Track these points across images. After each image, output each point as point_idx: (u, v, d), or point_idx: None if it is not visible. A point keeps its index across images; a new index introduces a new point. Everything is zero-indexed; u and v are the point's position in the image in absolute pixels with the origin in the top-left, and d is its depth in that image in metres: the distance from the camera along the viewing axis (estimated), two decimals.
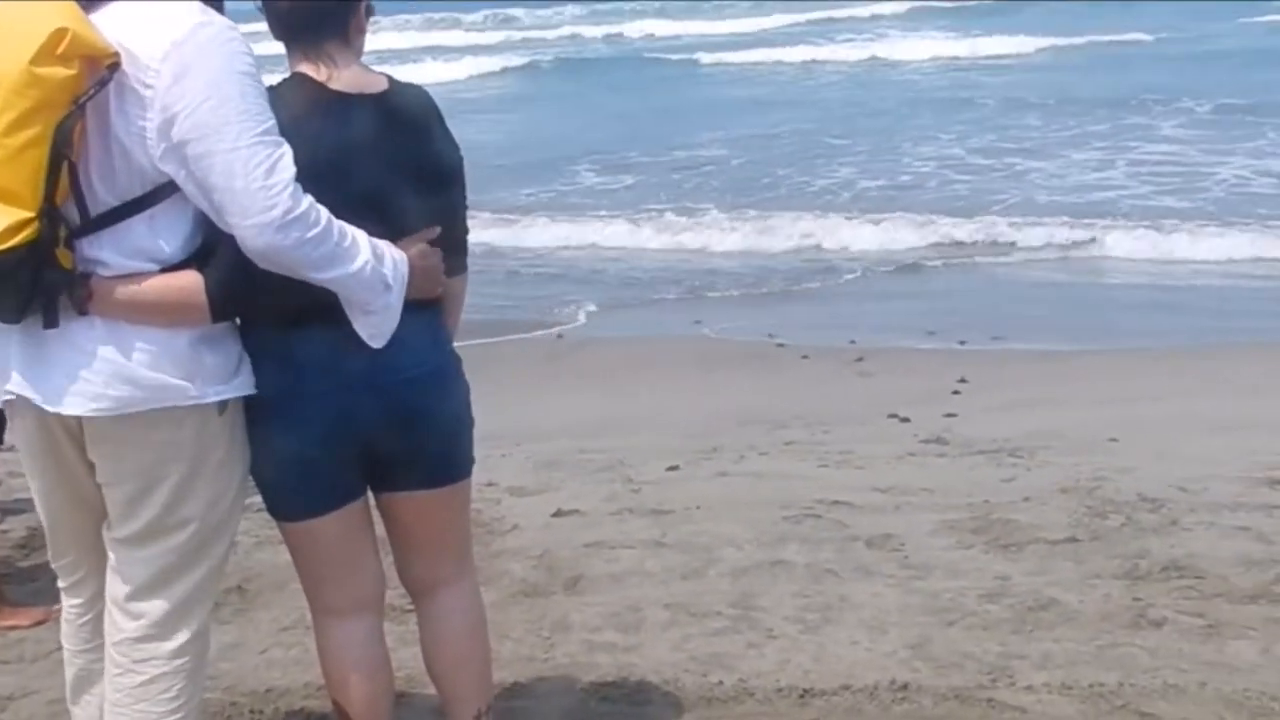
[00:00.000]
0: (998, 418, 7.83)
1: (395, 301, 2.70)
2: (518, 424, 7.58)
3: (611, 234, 15.00)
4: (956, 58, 30.81)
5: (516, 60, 34.36)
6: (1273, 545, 4.93)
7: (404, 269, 2.72)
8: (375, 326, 2.71)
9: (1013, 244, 14.03)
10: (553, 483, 6.14)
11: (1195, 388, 8.57)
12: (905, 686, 3.87)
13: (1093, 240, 13.91)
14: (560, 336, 10.79)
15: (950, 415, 7.93)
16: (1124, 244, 13.72)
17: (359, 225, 2.65)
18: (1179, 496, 5.57)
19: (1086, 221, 14.43)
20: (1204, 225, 13.93)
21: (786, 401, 8.55)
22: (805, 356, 9.82)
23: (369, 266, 2.63)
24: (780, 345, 10.23)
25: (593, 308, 11.88)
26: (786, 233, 14.70)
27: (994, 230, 14.42)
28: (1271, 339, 9.88)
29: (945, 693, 3.83)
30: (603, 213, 15.92)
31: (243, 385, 2.74)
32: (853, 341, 10.37)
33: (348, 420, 2.79)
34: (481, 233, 14.06)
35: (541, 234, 15.08)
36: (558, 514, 5.51)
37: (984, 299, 12.18)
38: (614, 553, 5.01)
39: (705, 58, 33.01)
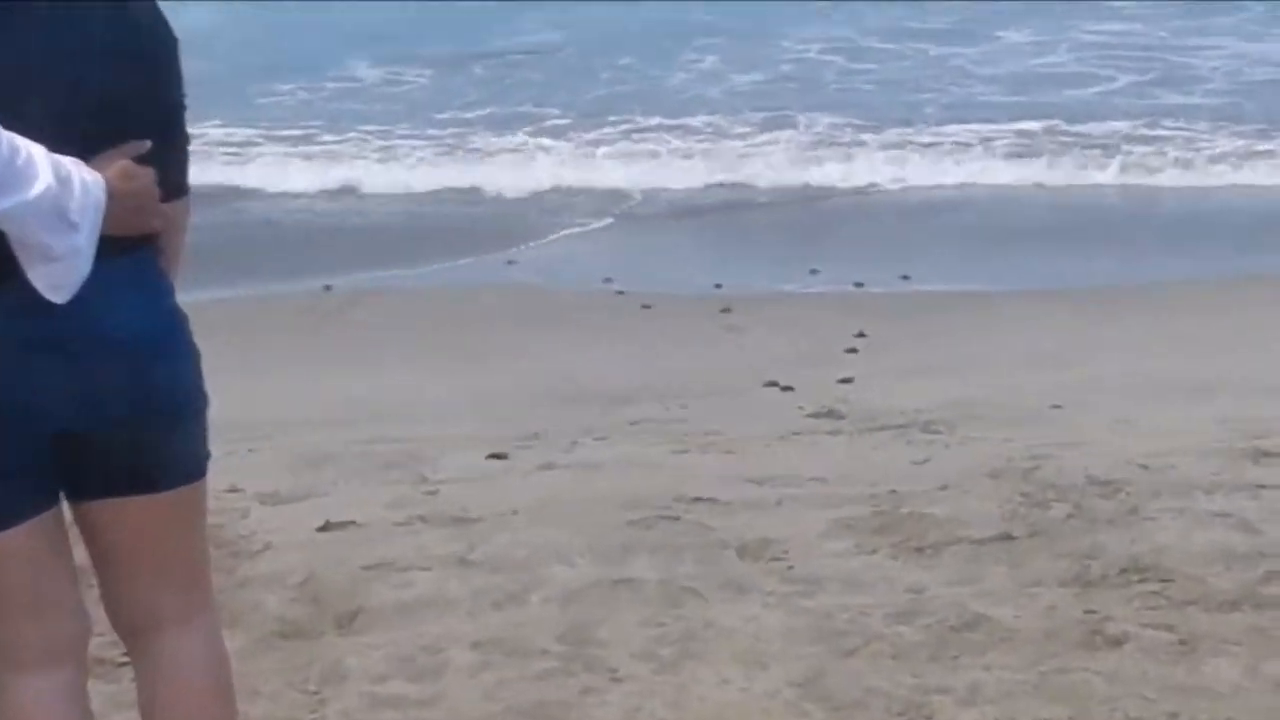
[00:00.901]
0: (907, 382, 7.97)
1: (85, 242, 2.63)
2: (271, 407, 7.49)
3: (396, 151, 14.89)
4: None
5: None
6: (1258, 535, 5.09)
7: (99, 195, 2.65)
8: (58, 276, 2.64)
9: (933, 156, 14.27)
10: (320, 485, 6.08)
11: (1157, 339, 8.82)
12: None
13: (1044, 146, 14.23)
14: (329, 289, 10.68)
15: (845, 381, 8.05)
16: (1079, 154, 14.06)
17: (38, 140, 2.59)
18: (1140, 477, 5.71)
19: (1038, 123, 14.73)
20: (1187, 129, 14.34)
21: (631, 368, 8.61)
22: (647, 306, 9.91)
23: (50, 193, 2.57)
24: (620, 294, 10.30)
25: (370, 250, 11.81)
26: (629, 144, 14.74)
27: (915, 138, 14.63)
28: (1247, 274, 10.22)
29: None
30: (385, 122, 15.77)
31: None
32: (718, 286, 10.44)
33: (31, 402, 2.72)
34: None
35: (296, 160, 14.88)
36: (326, 527, 5.45)
37: (887, 227, 12.40)
38: (404, 576, 4.97)
39: None
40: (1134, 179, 13.71)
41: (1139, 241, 11.76)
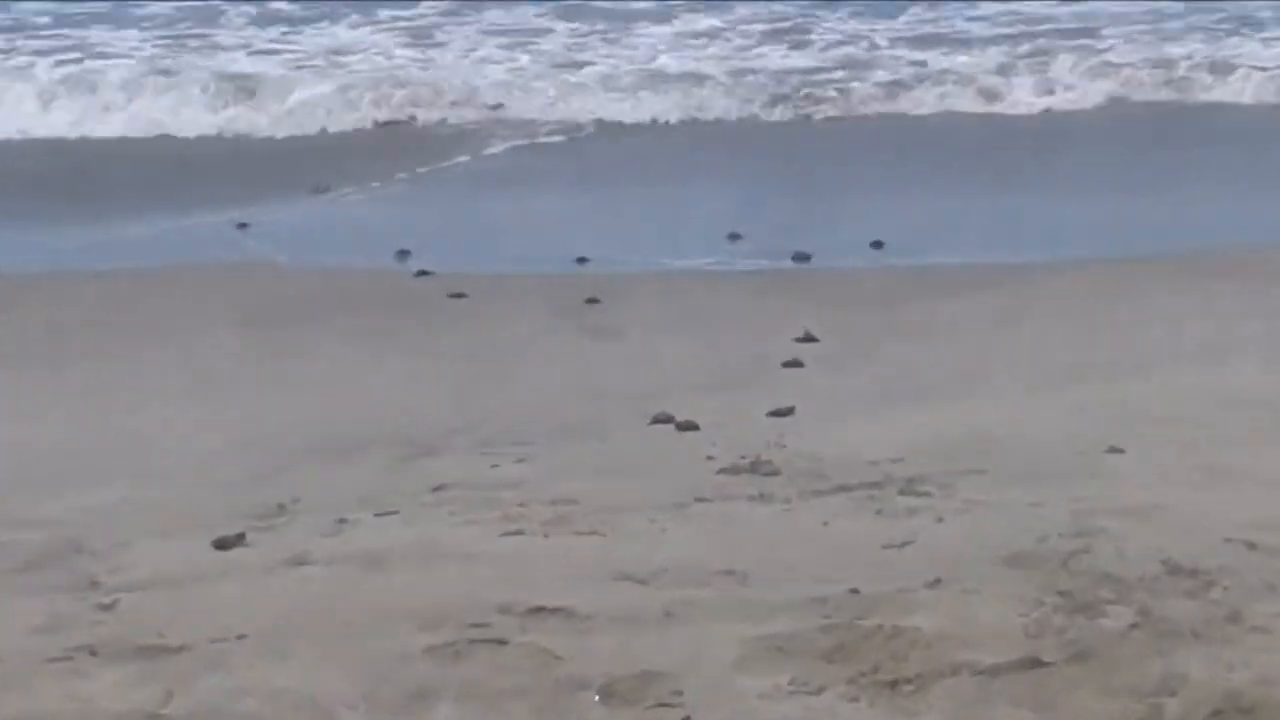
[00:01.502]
0: (877, 414, 7.97)
1: None
2: None
3: (68, 51, 14.89)
4: None
5: None
6: None
7: None
8: None
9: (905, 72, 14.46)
10: None
11: (1258, 334, 8.83)
12: None
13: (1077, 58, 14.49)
14: None
15: (781, 413, 8.04)
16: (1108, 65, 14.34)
17: None
18: (1243, 563, 5.71)
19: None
20: None
21: (436, 397, 8.59)
22: (461, 295, 9.96)
23: None
24: (423, 275, 10.38)
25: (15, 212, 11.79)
26: (453, 34, 14.85)
27: (916, 27, 14.86)
28: None
29: None
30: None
31: None
32: (581, 260, 10.46)
33: None
34: None
35: None
36: None
37: (854, 163, 12.47)
38: None
39: None
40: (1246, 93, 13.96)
41: (1239, 180, 11.85)
